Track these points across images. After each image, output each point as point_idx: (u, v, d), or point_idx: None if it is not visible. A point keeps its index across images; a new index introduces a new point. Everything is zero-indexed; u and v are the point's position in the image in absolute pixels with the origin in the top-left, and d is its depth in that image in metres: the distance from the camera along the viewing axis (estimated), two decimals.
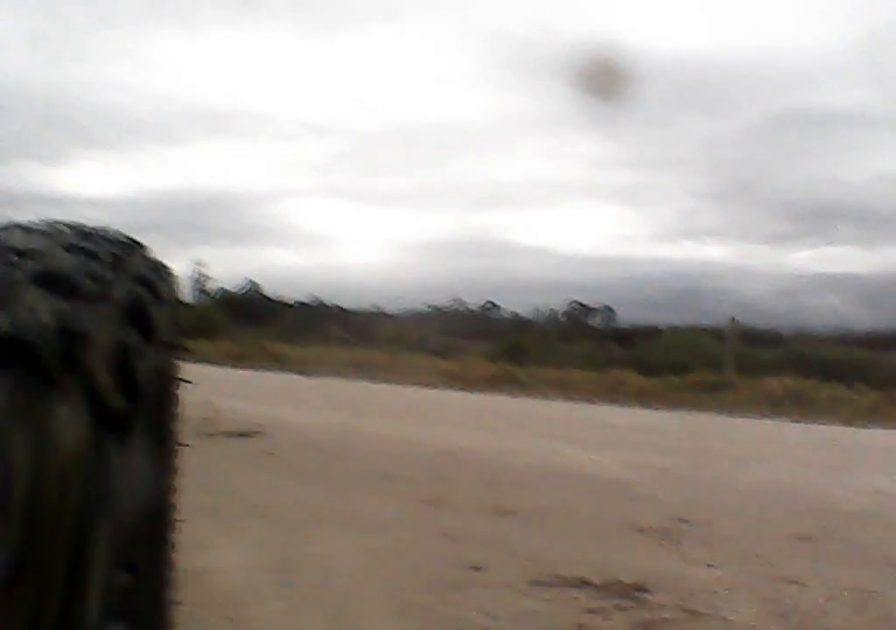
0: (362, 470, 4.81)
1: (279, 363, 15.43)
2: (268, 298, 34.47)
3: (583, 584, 2.83)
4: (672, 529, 3.83)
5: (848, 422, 10.32)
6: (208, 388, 8.35)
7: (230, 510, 3.65)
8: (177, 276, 0.72)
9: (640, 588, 2.82)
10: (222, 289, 35.61)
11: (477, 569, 2.99)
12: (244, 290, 36.15)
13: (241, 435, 5.51)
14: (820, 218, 47.20)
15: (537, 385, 13.74)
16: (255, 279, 36.37)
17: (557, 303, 34.83)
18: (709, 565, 3.22)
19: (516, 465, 5.34)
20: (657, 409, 11.11)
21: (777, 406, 11.83)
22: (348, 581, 2.80)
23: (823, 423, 10.07)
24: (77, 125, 67.08)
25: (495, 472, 5.02)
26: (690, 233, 55.93)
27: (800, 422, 10.27)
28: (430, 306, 33.78)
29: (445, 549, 3.26)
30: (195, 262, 36.58)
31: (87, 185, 66.41)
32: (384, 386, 12.72)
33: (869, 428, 9.86)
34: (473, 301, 35.52)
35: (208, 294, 35.15)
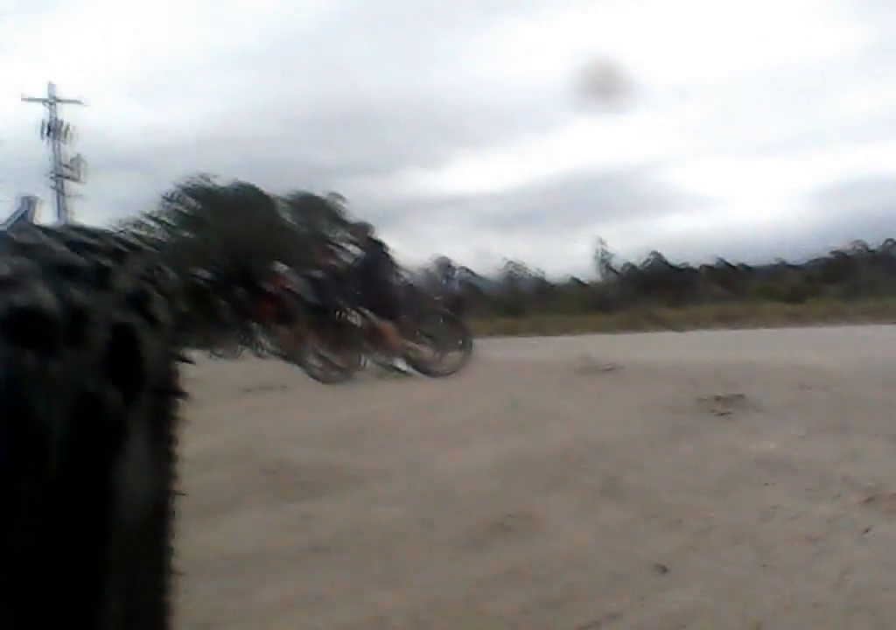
0: (667, 377, 7.80)
1: (660, 325, 18.71)
2: (672, 266, 36.65)
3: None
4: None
5: None
6: (594, 346, 11.78)
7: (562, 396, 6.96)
8: (175, 278, 0.75)
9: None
10: (627, 263, 38.53)
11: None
12: (648, 262, 38.75)
13: (605, 370, 8.70)
14: None
15: (857, 315, 15.59)
16: (658, 249, 38.72)
17: None
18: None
19: (757, 366, 8.02)
20: None
21: None
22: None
23: None
24: (452, 127, 73.60)
25: (734, 371, 7.61)
26: None
27: None
28: (832, 252, 33.98)
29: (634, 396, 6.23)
30: (597, 241, 39.91)
31: (474, 183, 72.52)
32: (728, 332, 15.54)
33: None
34: (874, 241, 34.95)
35: (614, 270, 38.20)
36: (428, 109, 69.34)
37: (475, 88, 71.54)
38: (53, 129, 37.92)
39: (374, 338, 10.45)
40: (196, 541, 3.02)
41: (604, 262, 38.43)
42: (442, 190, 67.10)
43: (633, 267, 38.35)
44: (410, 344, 10.42)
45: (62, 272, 0.59)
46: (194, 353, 14.42)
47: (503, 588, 2.43)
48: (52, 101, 38.58)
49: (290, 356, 11.71)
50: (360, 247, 11.48)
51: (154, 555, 0.72)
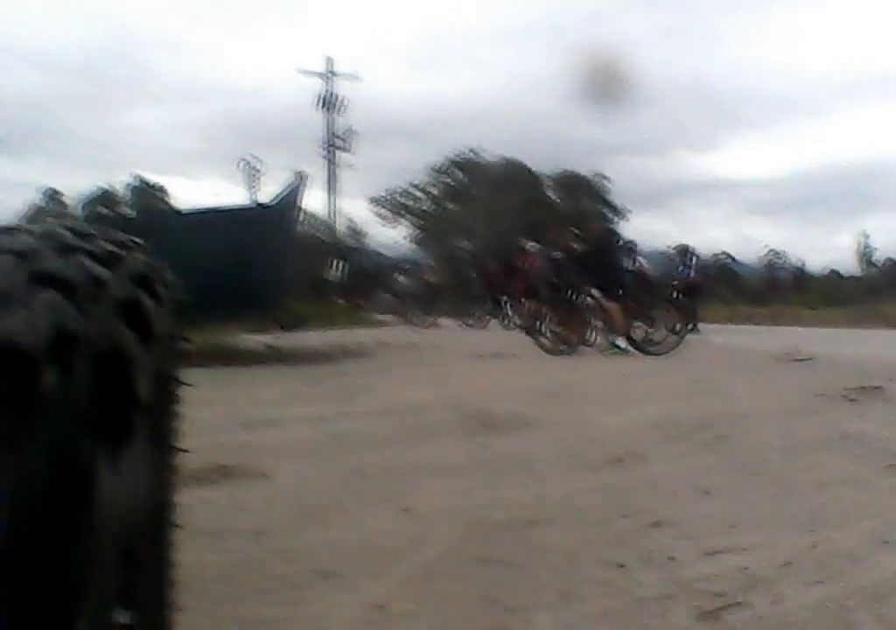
0: (844, 369, 8.34)
1: (885, 323, 18.34)
2: None
3: None
4: None
5: None
6: (810, 338, 12.16)
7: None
8: (172, 276, 0.77)
9: None
10: (889, 259, 36.72)
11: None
12: None
13: (798, 360, 9.24)
14: None
15: None
16: None
17: None
18: None
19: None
20: None
21: None
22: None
23: None
24: (724, 109, 71.97)
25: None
26: None
27: None
28: None
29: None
30: (860, 234, 38.24)
31: (742, 167, 70.78)
32: None
33: None
34: None
35: (874, 265, 36.51)
36: (703, 90, 68.82)
37: (751, 71, 70.23)
38: (328, 103, 41.23)
39: (601, 317, 11.57)
40: (401, 457, 4.36)
41: (865, 255, 36.94)
42: (711, 173, 66.46)
43: (894, 262, 36.61)
44: (635, 324, 11.41)
45: (50, 286, 0.60)
46: (445, 321, 16.08)
47: (594, 495, 3.54)
48: (329, 75, 41.87)
49: (529, 329, 12.98)
50: (594, 233, 12.60)
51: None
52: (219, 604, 2.30)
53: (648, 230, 69.36)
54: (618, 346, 11.15)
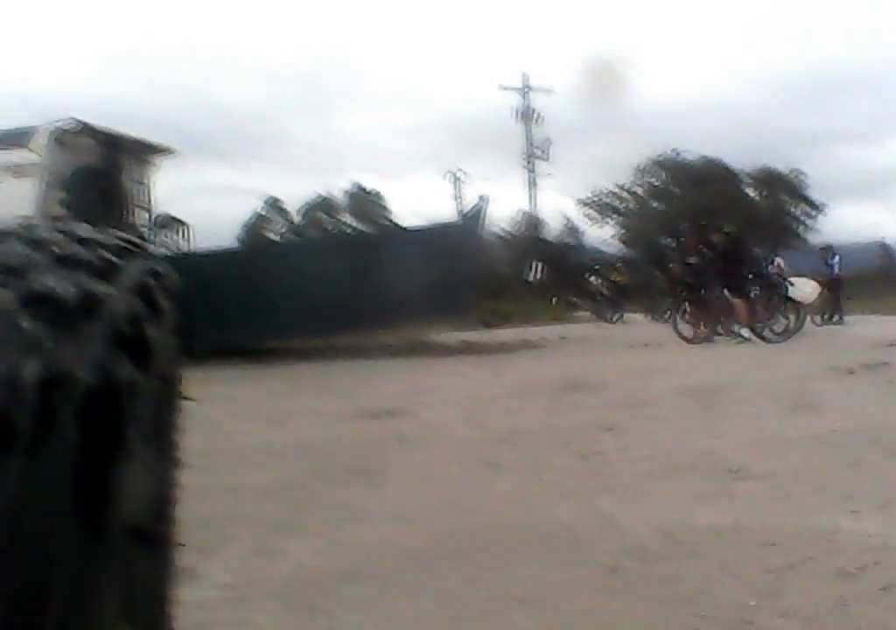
0: None
1: None
2: None
3: None
4: None
5: None
6: None
7: None
8: (177, 278, 0.72)
9: None
10: None
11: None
12: None
13: (892, 345, 10.66)
14: None
15: None
16: None
17: None
18: None
19: None
20: None
21: None
22: None
23: None
24: None
25: None
26: None
27: None
28: None
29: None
30: None
31: None
32: None
33: None
34: None
35: None
36: (885, 82, 66.63)
37: None
38: (526, 116, 45.00)
39: (729, 311, 13.77)
40: (503, 404, 7.01)
41: None
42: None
43: None
44: (761, 317, 13.48)
45: (37, 311, 0.55)
46: (634, 317, 18.77)
47: (593, 419, 6.06)
48: (526, 90, 45.48)
49: (674, 322, 15.14)
50: (722, 239, 14.74)
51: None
52: (349, 459, 5.04)
53: (864, 221, 68.04)
54: (741, 336, 13.26)
